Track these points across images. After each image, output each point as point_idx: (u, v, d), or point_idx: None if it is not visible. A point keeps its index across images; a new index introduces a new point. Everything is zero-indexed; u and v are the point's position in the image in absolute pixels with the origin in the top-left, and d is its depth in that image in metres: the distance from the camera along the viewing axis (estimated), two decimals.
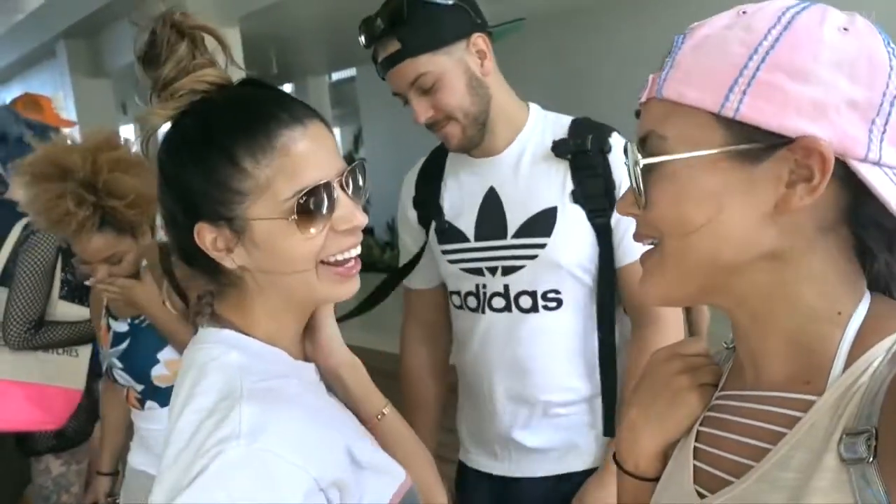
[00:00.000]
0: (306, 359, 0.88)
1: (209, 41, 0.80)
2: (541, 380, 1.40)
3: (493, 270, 1.39)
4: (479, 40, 1.33)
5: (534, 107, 1.44)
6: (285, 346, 0.83)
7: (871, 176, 0.53)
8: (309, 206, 0.75)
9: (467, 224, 1.43)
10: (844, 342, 0.56)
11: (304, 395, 0.79)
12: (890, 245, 0.59)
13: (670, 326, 1.32)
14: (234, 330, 0.81)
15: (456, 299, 1.49)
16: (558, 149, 1.33)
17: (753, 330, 0.62)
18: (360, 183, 0.82)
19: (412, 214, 1.54)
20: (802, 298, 0.58)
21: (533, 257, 1.35)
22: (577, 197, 1.32)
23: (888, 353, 0.53)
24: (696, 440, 0.67)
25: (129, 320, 1.78)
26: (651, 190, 0.60)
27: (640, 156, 0.60)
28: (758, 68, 0.54)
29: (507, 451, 1.47)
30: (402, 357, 1.64)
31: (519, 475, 1.46)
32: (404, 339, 1.64)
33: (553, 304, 1.36)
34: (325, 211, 0.76)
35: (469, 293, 1.44)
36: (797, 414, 0.56)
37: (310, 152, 0.77)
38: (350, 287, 0.81)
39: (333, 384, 0.90)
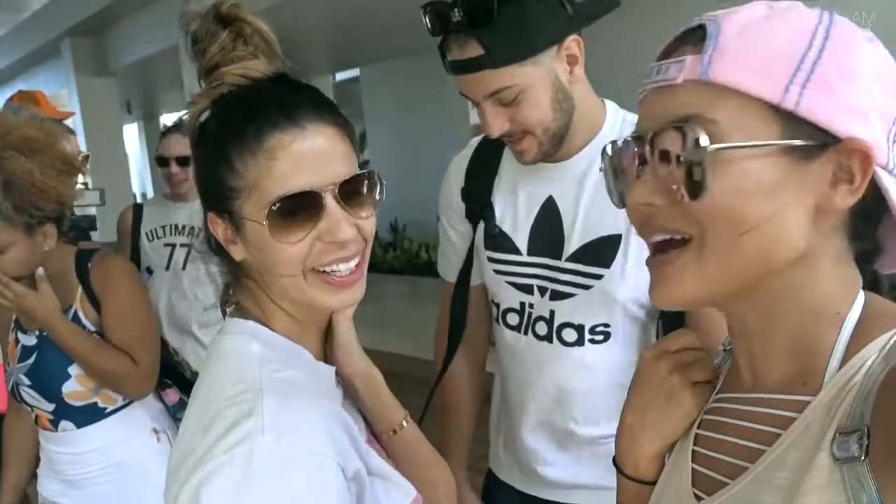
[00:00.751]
0: (328, 362, 0.87)
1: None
2: (580, 415, 1.27)
3: (543, 291, 1.25)
4: (573, 44, 1.13)
5: (611, 106, 1.25)
6: (307, 344, 0.82)
7: (888, 182, 0.55)
8: (285, 213, 0.72)
9: (520, 234, 1.27)
10: (840, 342, 0.56)
11: (321, 392, 0.78)
12: (876, 242, 0.61)
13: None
14: (256, 321, 0.80)
15: (494, 311, 1.34)
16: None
17: (759, 332, 0.61)
18: (367, 192, 0.78)
19: (459, 206, 1.36)
20: (812, 300, 0.58)
21: (586, 287, 1.20)
22: None
23: (881, 352, 0.53)
24: (694, 443, 0.66)
25: (37, 333, 1.57)
26: (706, 180, 0.55)
27: (705, 138, 0.54)
28: (815, 63, 0.54)
29: (530, 478, 1.37)
30: (436, 354, 1.49)
31: (547, 497, 1.35)
32: (439, 337, 1.47)
33: (600, 338, 1.23)
34: (306, 218, 0.73)
35: (511, 309, 1.30)
36: (793, 415, 0.56)
37: (300, 157, 0.73)
38: (343, 297, 0.78)
39: (351, 393, 0.88)
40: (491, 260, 1.30)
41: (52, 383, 1.54)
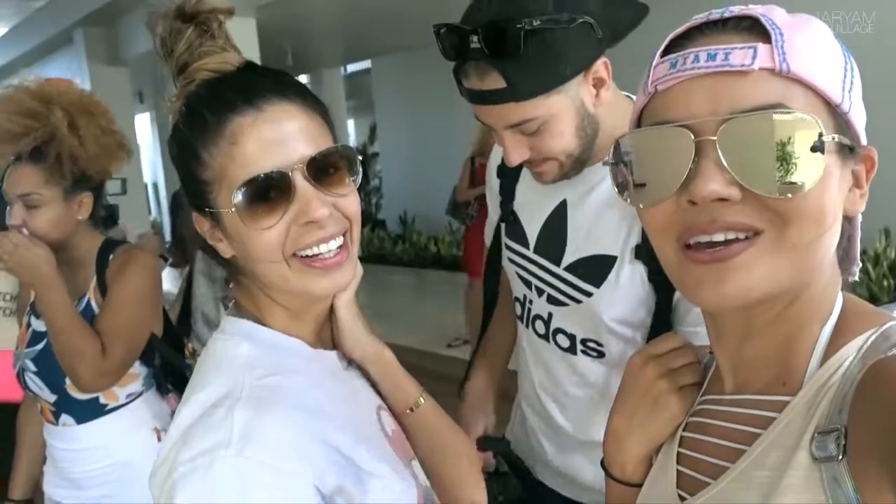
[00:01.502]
0: (334, 345, 0.86)
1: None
2: (573, 420, 1.28)
3: (540, 292, 1.26)
4: (601, 67, 1.06)
5: None
6: (304, 335, 0.81)
7: None
8: (253, 198, 0.70)
9: (532, 228, 1.27)
10: (820, 342, 0.56)
11: (312, 392, 0.76)
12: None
13: None
14: (251, 320, 0.79)
15: (509, 296, 1.38)
16: None
17: (758, 336, 0.59)
18: (341, 168, 0.75)
19: (495, 182, 1.38)
20: (813, 300, 0.57)
21: (577, 301, 1.20)
22: (641, 253, 1.12)
23: (859, 352, 0.53)
24: (679, 445, 0.66)
25: None
26: (802, 173, 0.51)
27: (822, 127, 0.51)
28: (852, 70, 0.56)
29: (538, 465, 1.40)
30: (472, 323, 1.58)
31: (547, 483, 1.37)
32: (497, 317, 1.51)
33: (594, 354, 1.23)
34: (275, 203, 0.71)
35: (516, 299, 1.33)
36: (773, 415, 0.56)
37: (262, 139, 0.71)
38: (329, 282, 0.76)
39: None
40: (506, 247, 1.33)
41: (58, 372, 1.50)
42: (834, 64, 0.55)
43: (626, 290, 1.15)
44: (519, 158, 1.10)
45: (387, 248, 9.16)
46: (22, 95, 1.47)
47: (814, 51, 0.54)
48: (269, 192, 0.71)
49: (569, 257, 1.21)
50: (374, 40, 8.18)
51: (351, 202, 0.76)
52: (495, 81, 1.01)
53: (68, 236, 1.53)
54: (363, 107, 12.83)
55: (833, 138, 0.52)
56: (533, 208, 1.27)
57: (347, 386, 0.83)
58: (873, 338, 0.53)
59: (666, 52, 0.58)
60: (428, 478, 0.86)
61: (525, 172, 1.28)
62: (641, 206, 0.58)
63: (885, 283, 4.70)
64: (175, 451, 0.67)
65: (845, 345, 0.54)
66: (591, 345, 1.22)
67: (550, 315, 1.25)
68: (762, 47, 0.53)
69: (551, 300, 1.24)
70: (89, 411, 1.54)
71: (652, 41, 0.63)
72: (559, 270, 1.22)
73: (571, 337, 1.23)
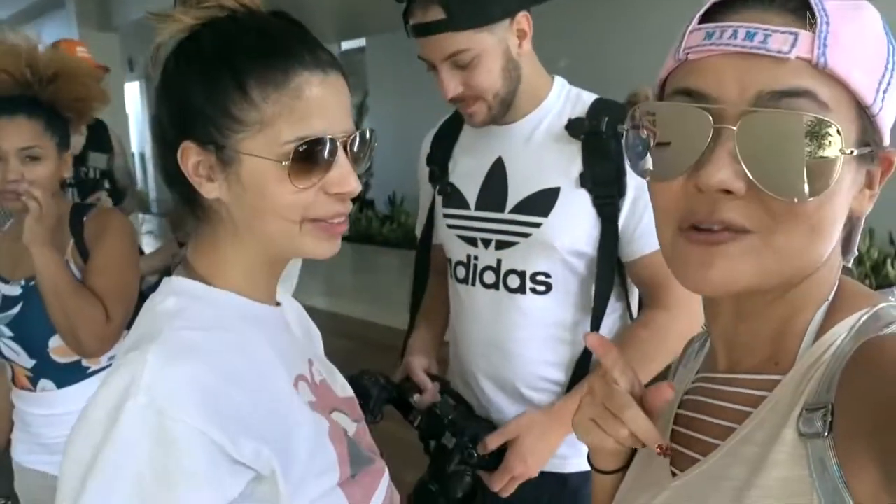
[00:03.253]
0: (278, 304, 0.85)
1: None
2: (518, 365, 1.35)
3: (486, 243, 1.36)
4: (522, 19, 1.26)
5: (558, 81, 1.38)
6: (255, 294, 0.79)
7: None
8: (306, 156, 0.70)
9: (471, 191, 1.39)
10: (813, 322, 0.57)
11: (233, 356, 0.72)
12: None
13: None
14: (196, 280, 0.77)
15: (448, 267, 1.46)
16: (572, 128, 1.28)
17: (753, 319, 0.60)
18: (365, 151, 0.77)
19: (425, 171, 1.52)
20: (811, 286, 0.58)
21: (526, 235, 1.31)
22: (585, 181, 1.26)
23: (850, 331, 0.53)
24: (674, 423, 0.67)
25: (22, 283, 1.52)
26: (811, 182, 0.50)
27: (843, 142, 0.49)
28: (892, 69, 0.53)
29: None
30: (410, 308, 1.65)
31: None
32: (430, 291, 1.61)
33: (542, 289, 1.32)
34: (320, 166, 0.72)
35: (459, 262, 1.41)
36: (765, 394, 0.56)
37: (323, 102, 0.72)
38: (332, 245, 0.77)
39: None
40: (445, 215, 1.44)
41: (38, 336, 1.49)
42: (875, 62, 0.53)
43: (574, 218, 1.28)
44: (454, 91, 1.25)
45: (374, 229, 9.14)
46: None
47: (858, 46, 0.52)
48: (317, 156, 0.71)
49: (512, 201, 1.33)
50: (369, 18, 8.12)
51: (366, 184, 0.77)
52: (436, 13, 1.19)
53: (55, 191, 1.51)
54: (356, 86, 12.73)
55: (852, 152, 0.51)
56: (469, 174, 1.40)
57: (285, 339, 0.82)
58: (865, 317, 0.53)
59: (704, 19, 0.55)
60: None
61: (455, 151, 1.44)
62: (649, 178, 0.58)
63: (867, 282, 4.76)
64: (90, 405, 0.65)
65: (837, 324, 0.55)
66: (540, 278, 1.32)
67: (499, 261, 1.35)
68: (804, 35, 0.51)
69: (500, 245, 1.35)
70: (72, 375, 1.53)
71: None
72: (504, 215, 1.34)
73: (521, 274, 1.32)
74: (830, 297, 0.58)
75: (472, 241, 1.38)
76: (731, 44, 0.52)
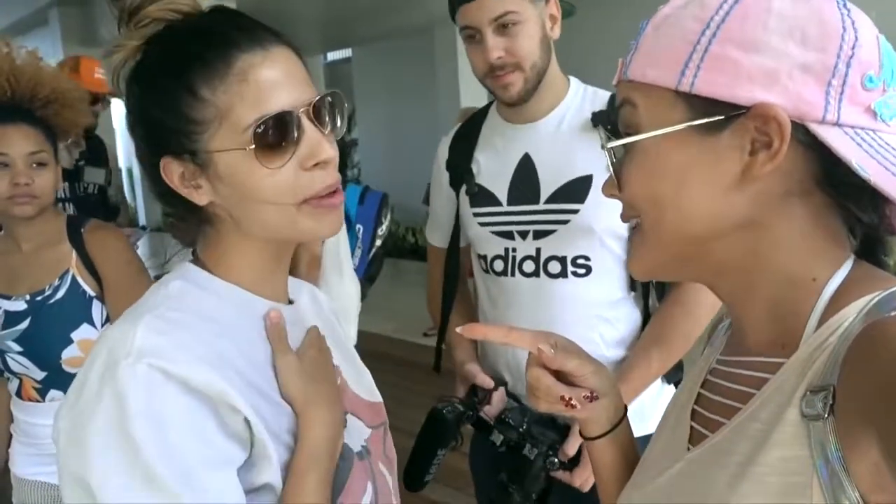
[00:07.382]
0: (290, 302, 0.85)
1: None
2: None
3: (524, 234, 1.41)
4: (553, 6, 1.37)
5: (573, 80, 1.47)
6: (262, 293, 0.79)
7: (831, 136, 0.54)
8: (268, 135, 0.70)
9: (500, 189, 1.44)
10: (818, 306, 0.58)
11: (215, 340, 0.71)
12: (874, 204, 0.58)
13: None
14: (203, 270, 0.78)
15: (482, 263, 1.49)
16: (598, 119, 1.36)
17: (736, 299, 0.64)
18: (335, 115, 0.76)
19: (444, 177, 1.55)
20: (776, 266, 0.59)
21: (565, 222, 1.37)
22: None
23: (859, 314, 0.53)
24: (694, 403, 0.69)
25: (27, 298, 1.53)
26: (624, 170, 0.63)
27: (605, 139, 0.63)
28: (710, 42, 0.56)
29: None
30: (432, 311, 1.67)
31: None
32: (432, 294, 1.66)
33: (582, 271, 1.39)
34: (288, 142, 0.71)
35: (497, 256, 1.45)
36: (771, 376, 0.58)
37: (272, 78, 0.71)
38: (332, 222, 0.76)
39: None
40: (476, 215, 1.47)
41: (51, 349, 1.50)
42: (676, 46, 0.58)
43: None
44: (497, 54, 1.31)
45: None
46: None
47: (656, 45, 0.60)
48: (280, 132, 0.70)
49: (546, 192, 1.39)
50: (354, 29, 8.14)
51: (337, 151, 0.76)
52: None
53: (52, 200, 1.55)
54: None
55: (657, 132, 0.59)
56: (495, 173, 1.45)
57: (292, 337, 0.80)
58: (876, 300, 0.54)
59: None
60: None
61: (475, 154, 1.48)
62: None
63: None
64: (84, 368, 0.68)
65: (846, 306, 0.55)
66: (581, 261, 1.38)
67: (538, 249, 1.40)
68: (621, 61, 0.63)
69: (538, 235, 1.40)
70: None
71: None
72: (540, 206, 1.40)
73: (562, 259, 1.39)
74: (838, 280, 0.58)
75: (508, 235, 1.43)
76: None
